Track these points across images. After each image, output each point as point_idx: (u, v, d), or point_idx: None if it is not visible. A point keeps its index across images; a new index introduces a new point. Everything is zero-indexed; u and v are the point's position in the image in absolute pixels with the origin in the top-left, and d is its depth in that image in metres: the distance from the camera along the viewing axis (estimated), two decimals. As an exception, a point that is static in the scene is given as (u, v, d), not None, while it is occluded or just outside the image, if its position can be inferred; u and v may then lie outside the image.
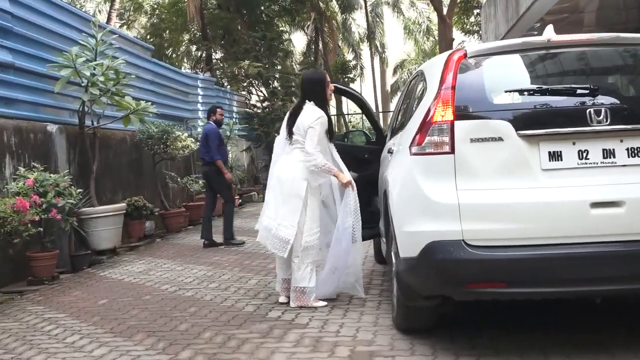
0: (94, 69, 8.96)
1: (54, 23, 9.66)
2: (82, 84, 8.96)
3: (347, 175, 5.70)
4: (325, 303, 5.59)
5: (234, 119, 18.48)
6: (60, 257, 8.00)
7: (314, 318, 5.21)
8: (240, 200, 16.58)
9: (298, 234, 5.63)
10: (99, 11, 30.61)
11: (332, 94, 5.99)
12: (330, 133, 5.82)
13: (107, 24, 15.38)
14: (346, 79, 28.35)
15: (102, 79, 8.95)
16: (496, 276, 3.81)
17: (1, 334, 5.39)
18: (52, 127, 8.80)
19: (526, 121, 3.96)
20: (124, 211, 9.71)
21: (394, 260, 4.55)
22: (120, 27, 27.93)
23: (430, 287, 4.08)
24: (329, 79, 5.96)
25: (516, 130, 3.91)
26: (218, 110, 10.47)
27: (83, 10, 21.57)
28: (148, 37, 27.20)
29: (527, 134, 3.91)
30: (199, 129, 15.23)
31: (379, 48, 37.22)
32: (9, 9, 8.41)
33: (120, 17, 29.11)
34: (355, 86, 35.87)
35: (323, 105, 5.82)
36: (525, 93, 4.16)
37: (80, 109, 9.23)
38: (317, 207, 5.73)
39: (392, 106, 31.52)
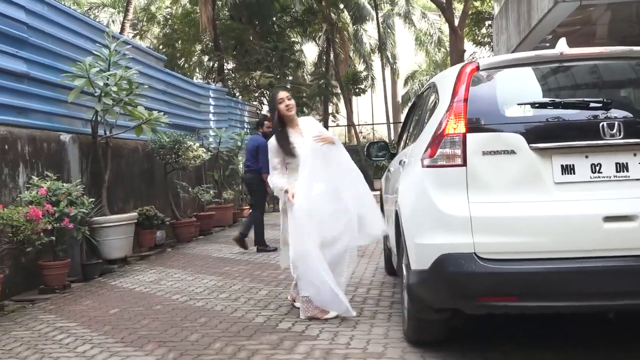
0: (107, 79, 9.02)
1: (68, 33, 9.72)
2: (96, 94, 9.02)
3: (294, 191, 5.67)
4: (335, 314, 5.54)
5: (245, 129, 18.54)
6: (71, 266, 8.04)
7: (325, 330, 5.20)
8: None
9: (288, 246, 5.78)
10: (113, 21, 30.70)
11: (290, 108, 5.92)
12: (283, 149, 5.85)
13: (120, 35, 15.48)
14: (357, 90, 28.36)
15: (115, 89, 9.02)
16: (507, 290, 3.79)
17: (13, 343, 5.42)
18: (65, 137, 8.86)
19: (539, 134, 3.95)
20: (135, 220, 9.75)
21: (404, 273, 4.54)
22: (134, 37, 28.07)
23: (442, 299, 4.06)
24: (281, 97, 5.94)
25: (528, 143, 3.90)
26: (266, 123, 10.56)
27: (97, 20, 21.72)
28: (161, 47, 27.33)
29: (540, 147, 3.90)
30: (211, 139, 15.31)
31: (390, 59, 37.12)
32: (25, 20, 8.49)
33: (134, 27, 29.23)
34: (366, 97, 35.91)
35: (274, 124, 6.01)
36: (538, 106, 4.15)
37: (93, 119, 9.30)
38: (297, 222, 5.65)
39: (403, 117, 31.47)
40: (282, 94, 5.98)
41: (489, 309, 3.95)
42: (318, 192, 5.66)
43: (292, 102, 5.97)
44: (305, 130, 5.91)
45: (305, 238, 5.54)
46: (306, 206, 5.58)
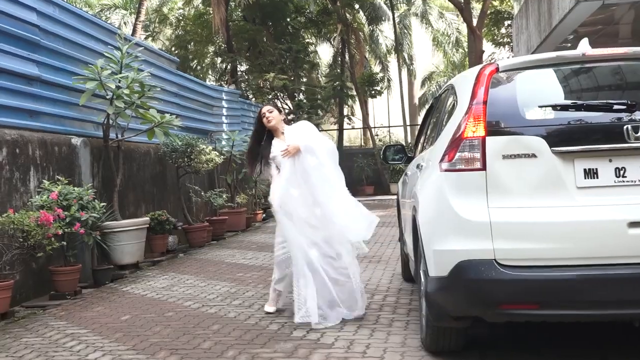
0: (119, 81, 8.96)
1: (80, 36, 9.71)
2: (107, 97, 8.96)
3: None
4: (271, 309, 6.10)
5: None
6: (82, 272, 7.97)
7: (340, 338, 5.09)
8: (264, 215, 16.54)
9: None
10: (125, 23, 30.81)
11: (269, 120, 6.21)
12: (251, 162, 6.49)
13: (132, 36, 15.46)
14: (373, 92, 28.25)
15: (127, 91, 8.94)
16: (529, 297, 3.70)
17: (24, 349, 5.35)
18: (76, 140, 8.81)
19: (561, 137, 3.84)
20: (147, 225, 9.66)
21: (422, 279, 4.44)
22: (146, 39, 28.16)
23: (461, 307, 3.96)
24: (262, 112, 6.29)
25: (550, 147, 3.79)
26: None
27: (109, 22, 21.74)
28: (173, 49, 27.42)
29: (562, 150, 3.79)
30: (223, 142, 15.25)
31: (407, 60, 36.90)
32: (36, 22, 8.45)
33: (146, 29, 29.33)
34: (382, 99, 35.74)
35: (251, 139, 6.57)
36: (560, 108, 4.04)
37: (105, 122, 9.23)
38: (281, 225, 6.00)
39: (420, 119, 31.24)
40: (263, 109, 6.34)
41: (510, 317, 3.87)
42: (295, 196, 5.93)
43: (272, 114, 6.25)
44: (288, 139, 6.16)
45: (289, 239, 5.86)
46: (283, 210, 5.93)
